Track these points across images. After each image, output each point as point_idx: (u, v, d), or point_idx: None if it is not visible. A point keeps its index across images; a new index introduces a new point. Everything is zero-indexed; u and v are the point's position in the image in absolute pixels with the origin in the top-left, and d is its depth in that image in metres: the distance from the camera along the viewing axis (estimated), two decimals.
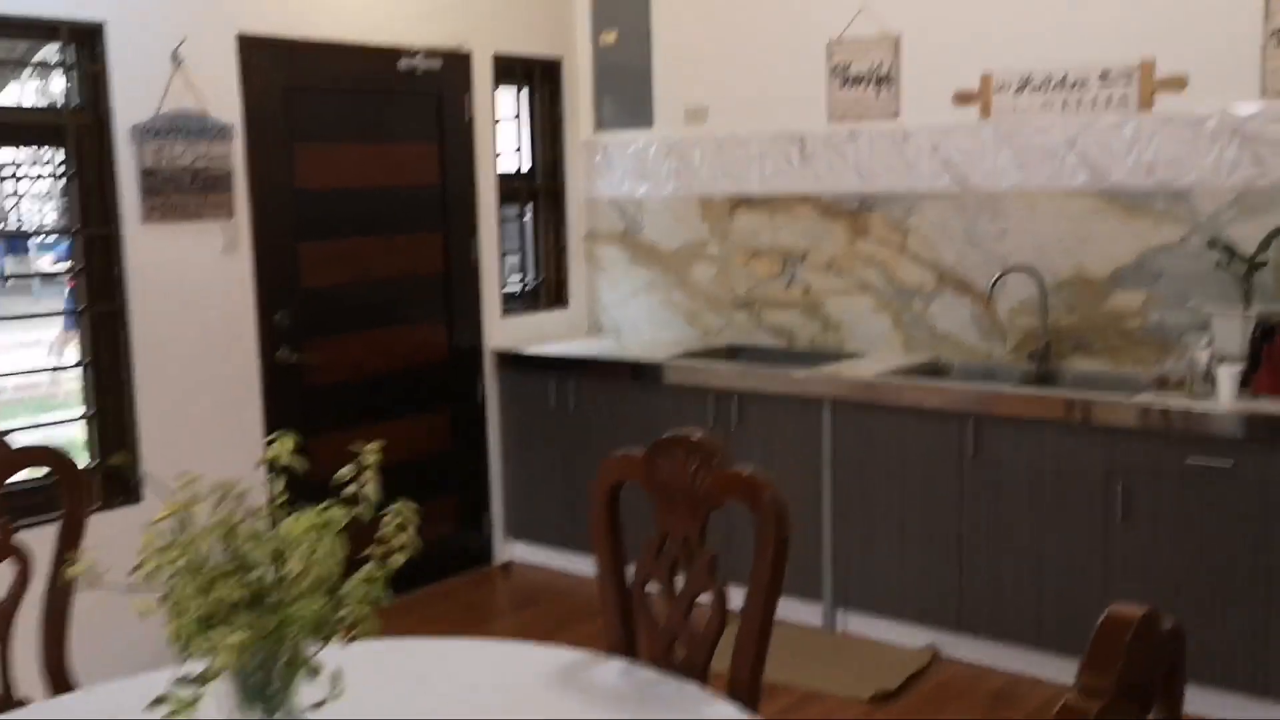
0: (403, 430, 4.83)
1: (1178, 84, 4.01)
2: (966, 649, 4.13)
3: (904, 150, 4.62)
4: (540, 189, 5.55)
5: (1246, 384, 3.63)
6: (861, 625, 4.37)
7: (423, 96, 4.88)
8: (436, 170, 4.96)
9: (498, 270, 5.24)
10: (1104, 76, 4.14)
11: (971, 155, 4.46)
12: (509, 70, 5.29)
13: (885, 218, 4.71)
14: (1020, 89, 4.32)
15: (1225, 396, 3.62)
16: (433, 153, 4.95)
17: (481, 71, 5.08)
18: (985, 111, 4.41)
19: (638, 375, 4.80)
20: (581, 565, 4.97)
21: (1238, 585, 3.53)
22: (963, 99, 4.46)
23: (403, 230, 4.87)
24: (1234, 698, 3.59)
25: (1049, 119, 4.26)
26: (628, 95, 5.37)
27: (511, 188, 5.39)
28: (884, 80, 4.65)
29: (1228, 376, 3.62)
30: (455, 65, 4.97)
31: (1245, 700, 3.57)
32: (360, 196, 4.71)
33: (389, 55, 4.73)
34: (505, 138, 5.38)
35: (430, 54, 4.84)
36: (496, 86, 5.19)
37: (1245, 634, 3.53)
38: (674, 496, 2.28)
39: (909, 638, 4.25)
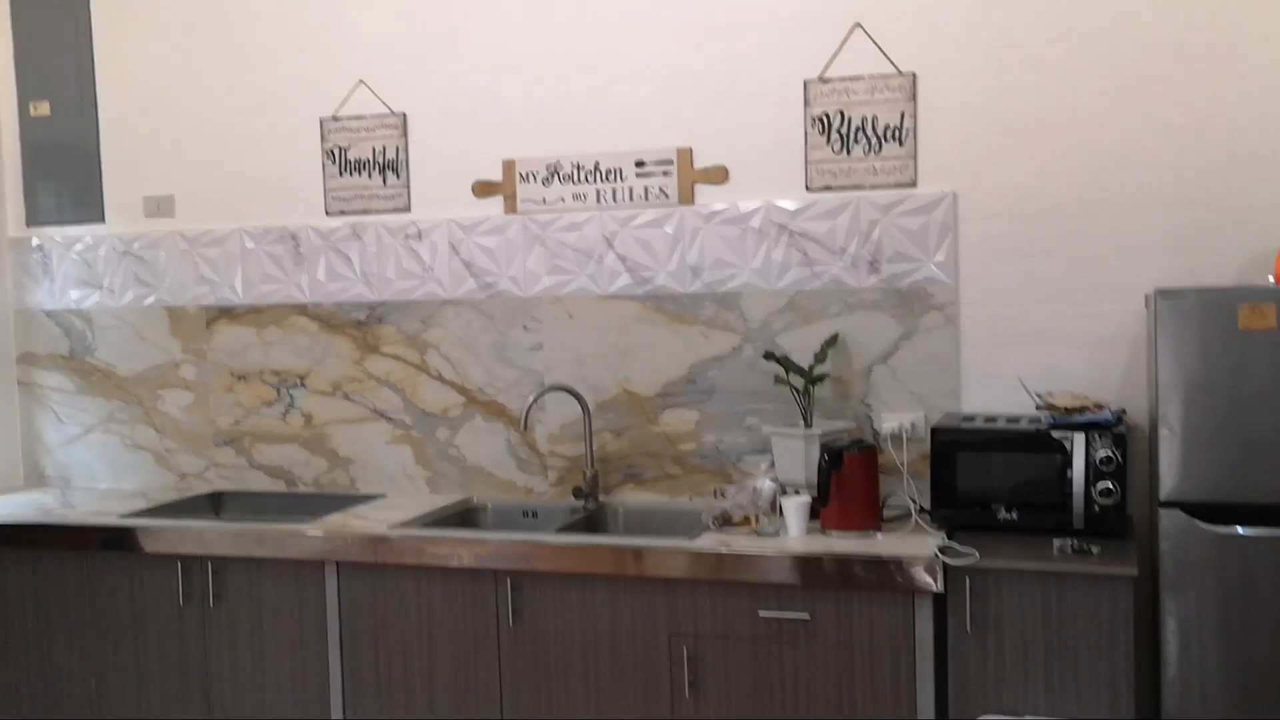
0: None
1: (719, 175, 3.54)
2: None
3: (418, 250, 3.85)
4: None
5: (816, 514, 3.14)
6: None
7: None
8: None
9: None
10: (640, 165, 3.60)
11: (497, 256, 3.77)
12: None
13: (399, 330, 3.89)
14: (549, 178, 3.69)
15: (795, 534, 3.10)
16: None
17: None
18: (510, 205, 3.75)
19: (78, 544, 3.60)
20: None
21: None
22: (484, 190, 3.77)
23: None
24: None
25: (583, 214, 3.67)
26: (69, 181, 4.21)
27: None
28: (391, 167, 3.86)
29: (795, 510, 3.11)
30: None
31: None
32: None
33: None
34: None
35: None
36: None
37: None
38: None
39: None
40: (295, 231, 3.97)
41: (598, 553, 3.11)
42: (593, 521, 3.56)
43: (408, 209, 3.86)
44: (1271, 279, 2.89)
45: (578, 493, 3.60)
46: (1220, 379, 2.62)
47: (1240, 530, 2.61)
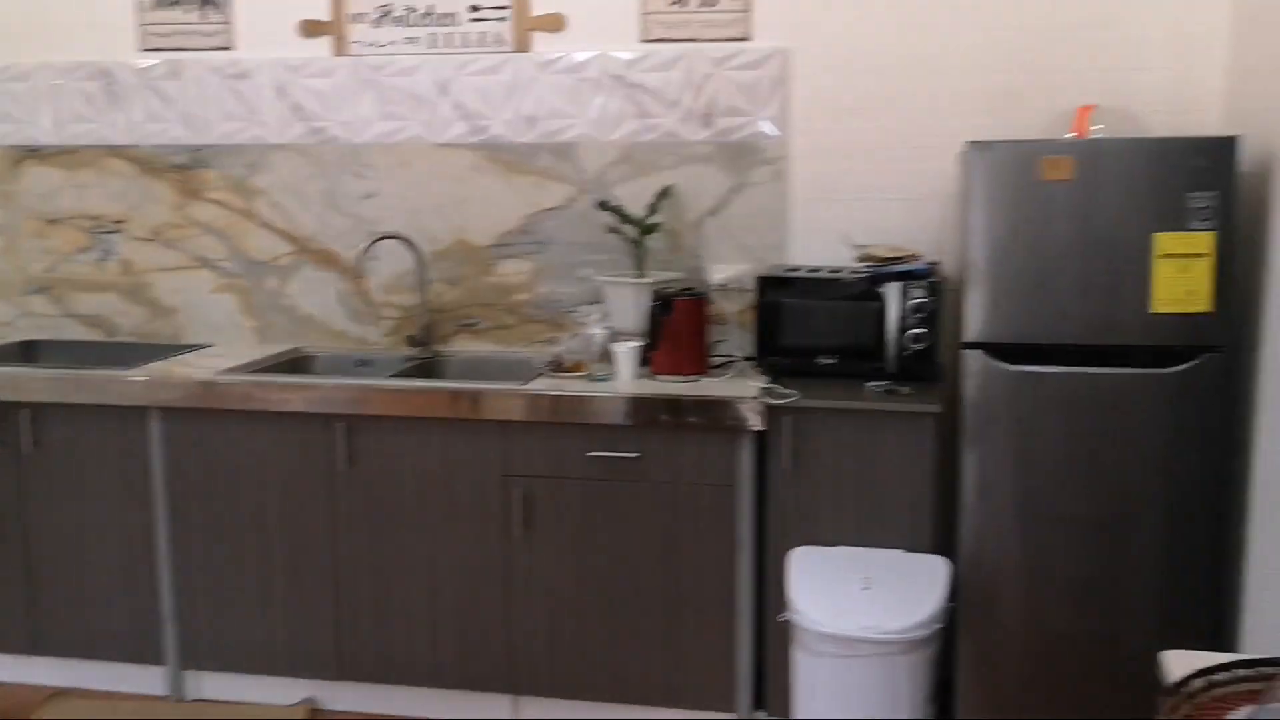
0: None
1: (555, 23, 3.51)
2: (352, 697, 3.38)
3: (242, 92, 3.71)
4: None
5: (647, 362, 3.23)
6: (220, 686, 3.45)
7: None
8: None
9: None
10: (474, 9, 3.54)
11: (327, 100, 3.66)
12: None
13: (224, 175, 3.77)
14: (380, 20, 3.59)
15: (625, 378, 3.19)
16: None
17: None
18: (340, 47, 3.63)
19: None
20: None
21: (650, 590, 3.12)
22: (312, 29, 3.65)
23: None
24: (647, 710, 3.19)
25: (417, 58, 3.59)
26: None
27: None
28: (211, 1, 3.69)
29: (626, 356, 3.20)
30: None
31: (661, 711, 3.19)
32: None
33: None
34: None
35: None
36: None
37: (656, 642, 3.14)
38: None
39: (281, 694, 3.41)
40: (108, 68, 3.77)
41: (432, 396, 3.14)
42: (427, 370, 3.57)
43: (230, 47, 3.70)
44: (1070, 135, 3.07)
45: (412, 341, 3.61)
46: (1023, 228, 2.78)
47: (1035, 369, 2.82)
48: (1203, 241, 2.68)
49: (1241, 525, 2.84)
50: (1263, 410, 2.73)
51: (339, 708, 3.40)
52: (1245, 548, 2.82)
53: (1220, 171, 2.66)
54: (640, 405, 3.04)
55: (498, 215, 3.62)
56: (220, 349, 3.73)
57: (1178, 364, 2.75)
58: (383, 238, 3.57)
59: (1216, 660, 1.55)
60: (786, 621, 2.93)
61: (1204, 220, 2.67)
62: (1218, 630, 2.90)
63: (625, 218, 3.37)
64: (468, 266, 3.66)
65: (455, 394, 3.12)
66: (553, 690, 3.21)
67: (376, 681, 3.32)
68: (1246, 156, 2.81)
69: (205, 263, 3.83)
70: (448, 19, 3.55)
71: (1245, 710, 1.49)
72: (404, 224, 3.66)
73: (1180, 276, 2.70)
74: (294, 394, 3.20)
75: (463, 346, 3.69)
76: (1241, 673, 1.54)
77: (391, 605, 3.26)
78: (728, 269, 3.47)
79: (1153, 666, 1.43)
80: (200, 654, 3.40)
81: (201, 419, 3.28)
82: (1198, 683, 1.55)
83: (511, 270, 3.64)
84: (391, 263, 3.69)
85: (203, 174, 3.78)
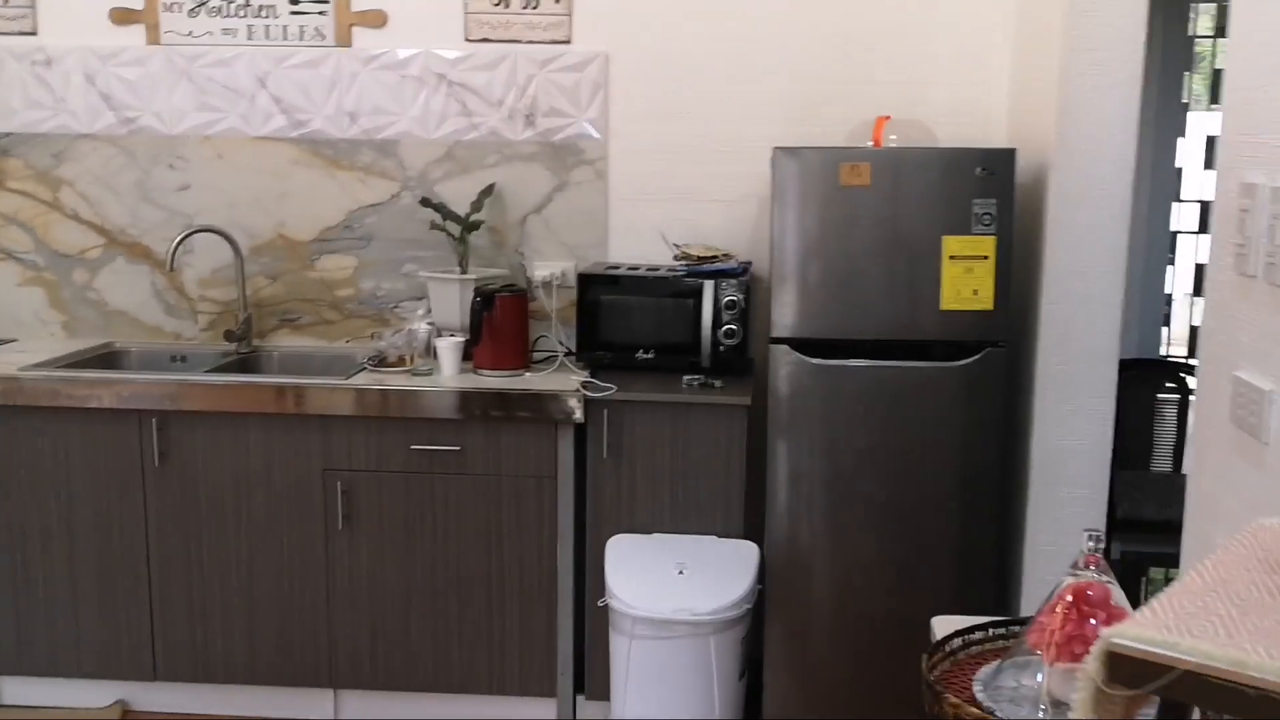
0: None
1: (377, 19, 3.53)
2: (168, 698, 3.33)
3: (48, 79, 3.60)
4: None
5: (470, 357, 3.28)
6: (25, 691, 3.34)
7: None
8: None
9: None
10: (295, 2, 3.52)
11: (139, 89, 3.59)
12: None
13: (28, 165, 3.65)
14: (196, 9, 3.54)
15: (448, 373, 3.24)
16: None
17: None
18: (153, 35, 3.56)
19: None
20: None
21: (472, 581, 3.18)
22: (123, 17, 3.56)
23: None
24: (469, 699, 3.25)
25: (234, 50, 3.55)
26: None
27: None
28: None
29: (449, 351, 3.24)
30: None
31: (483, 701, 3.25)
32: None
33: None
34: None
35: None
36: None
37: (479, 631, 3.20)
38: None
39: (93, 696, 3.33)
40: None
41: (250, 391, 3.12)
42: (246, 365, 3.54)
43: (34, 32, 3.58)
44: (870, 143, 3.26)
45: (230, 336, 3.56)
46: (827, 230, 2.95)
47: (839, 362, 2.99)
48: (985, 245, 2.89)
49: (1022, 505, 3.08)
50: (1038, 399, 2.97)
51: (154, 709, 3.34)
52: (1024, 525, 3.05)
53: (1001, 181, 2.88)
54: (463, 399, 3.09)
55: (319, 210, 3.61)
56: (25, 344, 3.61)
57: (966, 357, 2.96)
58: (198, 230, 3.51)
59: (974, 623, 1.71)
60: (605, 606, 3.03)
61: (986, 225, 2.88)
62: (1001, 601, 3.14)
63: (448, 215, 3.42)
64: (288, 261, 3.64)
65: (275, 389, 3.11)
66: (375, 684, 3.24)
67: (194, 681, 3.28)
68: (1023, 167, 3.05)
69: (9, 255, 3.69)
70: (266, 11, 3.53)
71: (991, 667, 1.65)
72: (221, 217, 3.61)
73: (966, 277, 2.92)
74: (104, 390, 3.13)
75: (283, 342, 3.67)
76: (995, 632, 1.71)
77: (208, 603, 3.23)
78: (550, 266, 3.56)
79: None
80: (4, 658, 3.29)
81: (6, 416, 3.17)
82: (956, 642, 1.71)
83: (334, 266, 3.64)
84: (208, 257, 3.64)
85: (5, 162, 3.64)
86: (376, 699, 3.27)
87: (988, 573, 3.06)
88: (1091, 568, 1.57)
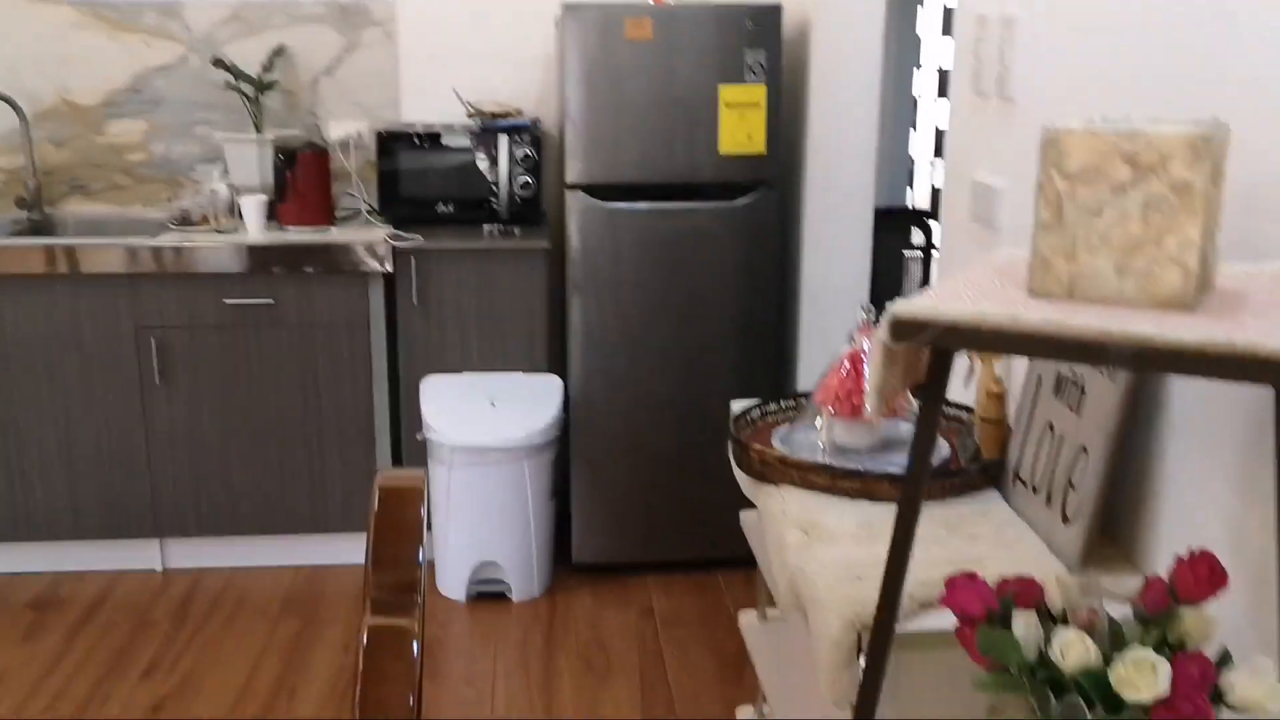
0: None
1: None
2: None
3: None
4: None
5: (275, 216, 3.38)
6: None
7: None
8: None
9: None
10: None
11: None
12: None
13: None
14: None
15: (254, 230, 3.33)
16: None
17: None
18: None
19: None
20: None
21: (291, 427, 3.33)
22: None
23: None
24: (295, 539, 3.44)
25: None
26: None
27: None
28: None
29: (254, 208, 3.33)
30: None
31: (306, 539, 3.44)
32: None
33: None
34: None
35: None
36: None
37: (301, 474, 3.37)
38: None
39: None
40: None
41: (55, 252, 3.13)
42: (40, 231, 3.51)
43: None
44: (652, 1, 3.51)
45: (21, 203, 3.52)
46: (613, 83, 3.19)
47: (627, 205, 3.27)
48: (757, 93, 3.21)
49: (794, 340, 3.48)
50: (806, 233, 3.35)
51: None
52: (796, 361, 3.46)
53: (768, 33, 3.19)
54: (271, 254, 3.21)
55: (104, 74, 3.58)
56: None
57: (741, 197, 3.30)
58: None
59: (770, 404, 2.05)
60: (424, 441, 3.26)
61: (757, 75, 3.20)
62: None
63: (241, 75, 3.46)
64: (75, 127, 3.60)
65: (80, 250, 3.14)
66: (200, 530, 3.37)
67: (17, 540, 3.32)
68: (790, 23, 3.37)
69: None
70: None
71: (785, 428, 2.00)
72: (4, 84, 3.52)
73: (740, 123, 3.23)
74: None
75: (77, 208, 3.64)
76: (786, 404, 2.06)
77: (26, 464, 3.27)
78: (345, 126, 3.66)
79: (728, 463, 1.88)
80: None
81: None
82: (755, 413, 2.05)
83: (123, 130, 3.62)
84: None
85: None
86: (203, 545, 3.41)
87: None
88: (865, 337, 1.92)
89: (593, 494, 3.42)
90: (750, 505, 1.97)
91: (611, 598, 3.35)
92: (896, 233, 4.65)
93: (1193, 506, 1.41)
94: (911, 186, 5.61)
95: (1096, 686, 1.07)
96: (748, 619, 2.25)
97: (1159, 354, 0.97)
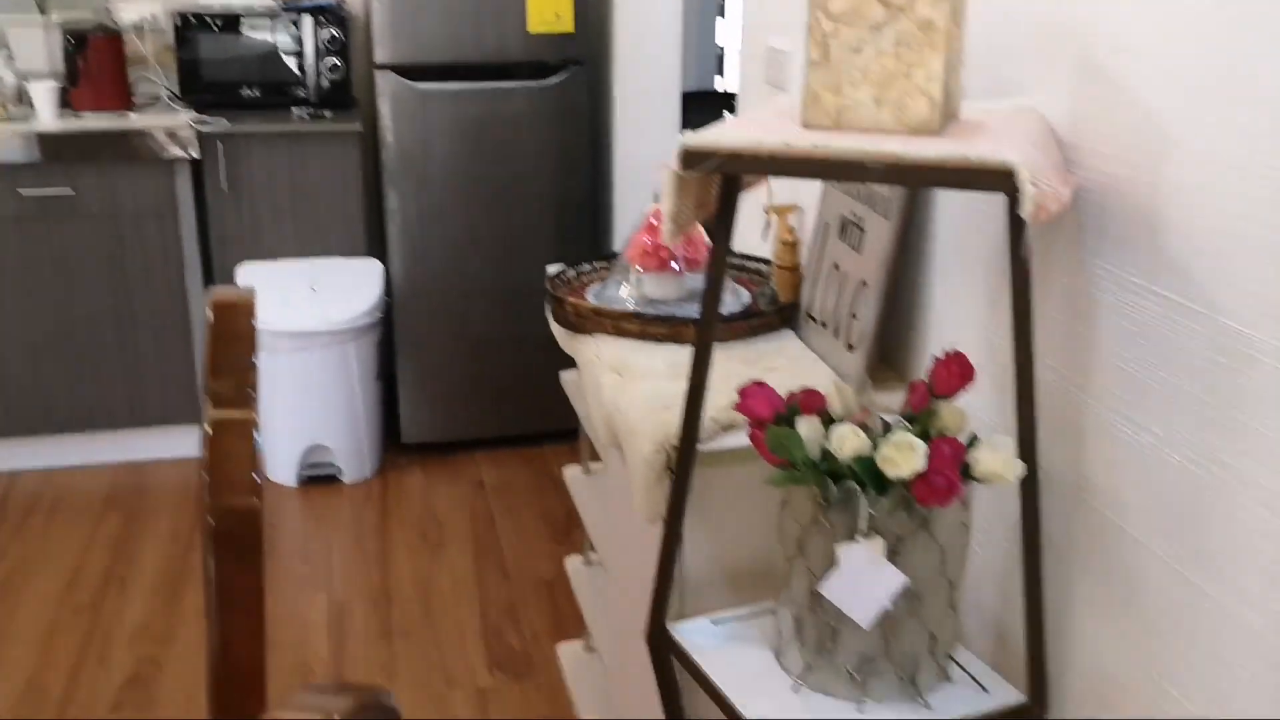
0: None
1: None
2: None
3: None
4: None
5: (68, 102, 3.26)
6: None
7: None
8: None
9: None
10: None
11: None
12: None
13: None
14: None
15: (46, 117, 3.21)
16: None
17: None
18: None
19: None
20: None
21: (101, 320, 3.26)
22: None
23: None
24: (112, 435, 3.39)
25: None
26: None
27: None
28: None
29: (45, 94, 3.20)
30: None
31: (126, 435, 3.40)
32: None
33: None
34: None
35: None
36: None
37: (114, 368, 3.31)
38: None
39: None
40: None
41: None
42: None
43: None
44: None
45: None
46: None
47: (437, 85, 3.28)
48: None
49: (609, 213, 3.57)
50: (617, 113, 3.43)
51: None
52: (612, 232, 3.56)
53: None
54: (67, 141, 3.10)
55: None
56: None
57: (551, 76, 3.34)
58: None
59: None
60: None
61: None
62: None
63: None
64: None
65: None
66: (11, 430, 3.29)
67: None
68: None
69: None
70: None
71: (598, 285, 2.10)
72: None
73: (548, 2, 3.27)
74: None
75: None
76: (596, 264, 2.16)
77: None
78: (137, 8, 3.52)
79: (551, 339, 1.97)
80: None
81: None
82: (570, 273, 2.14)
83: None
84: None
85: None
86: (15, 446, 3.33)
87: None
88: None
89: (418, 374, 3.47)
90: (571, 365, 2.07)
91: (442, 474, 3.44)
92: (706, 115, 4.78)
93: (956, 325, 1.58)
94: (721, 74, 5.74)
95: (868, 471, 1.22)
96: (572, 472, 2.38)
97: (907, 168, 1.11)
